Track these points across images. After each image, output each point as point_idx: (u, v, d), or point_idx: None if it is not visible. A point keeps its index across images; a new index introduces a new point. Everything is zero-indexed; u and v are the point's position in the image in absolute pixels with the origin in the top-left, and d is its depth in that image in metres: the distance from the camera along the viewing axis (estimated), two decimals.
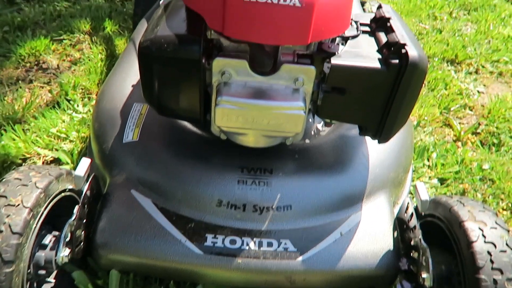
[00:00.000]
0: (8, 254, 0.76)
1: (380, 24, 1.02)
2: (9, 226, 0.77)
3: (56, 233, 0.95)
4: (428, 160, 1.61)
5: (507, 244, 0.84)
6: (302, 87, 0.95)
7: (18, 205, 0.80)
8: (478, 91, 2.10)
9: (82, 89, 1.85)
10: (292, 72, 0.93)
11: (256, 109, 0.93)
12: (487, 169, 1.55)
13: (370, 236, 1.04)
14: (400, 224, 1.08)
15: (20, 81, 1.91)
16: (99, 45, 2.15)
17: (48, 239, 0.93)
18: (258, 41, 0.84)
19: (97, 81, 1.91)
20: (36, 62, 2.04)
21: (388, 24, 0.99)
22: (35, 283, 0.91)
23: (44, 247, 0.92)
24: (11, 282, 0.77)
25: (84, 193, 0.96)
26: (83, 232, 0.98)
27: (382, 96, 0.94)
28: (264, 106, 0.93)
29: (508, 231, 0.87)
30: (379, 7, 1.07)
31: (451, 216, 0.92)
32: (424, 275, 0.94)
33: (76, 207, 0.94)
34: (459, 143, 1.74)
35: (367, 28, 1.04)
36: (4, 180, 0.85)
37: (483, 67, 2.30)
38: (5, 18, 2.26)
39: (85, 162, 0.98)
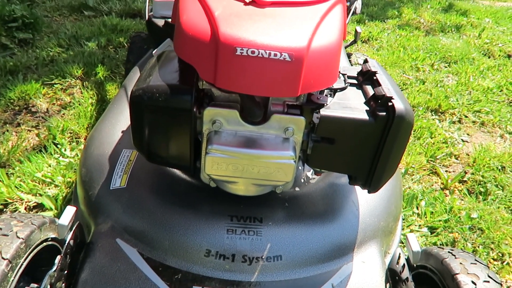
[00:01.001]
0: None
1: (366, 77, 1.05)
2: None
3: (35, 285, 0.91)
4: (417, 208, 1.61)
5: None
6: (292, 137, 0.95)
7: None
8: (463, 140, 2.15)
9: (70, 133, 1.85)
10: (282, 122, 0.94)
11: (247, 158, 0.93)
12: (476, 218, 1.55)
13: (362, 287, 1.02)
14: (392, 275, 1.06)
15: (7, 124, 1.90)
16: (90, 90, 2.17)
17: None
18: (249, 93, 0.86)
19: (86, 125, 1.90)
20: (25, 106, 2.03)
21: (375, 78, 1.03)
22: None
23: None
24: None
25: (67, 242, 0.93)
26: (63, 284, 0.93)
27: (371, 147, 0.95)
28: (255, 155, 0.93)
29: (501, 284, 0.86)
30: (365, 61, 1.11)
31: (443, 268, 0.91)
32: None
33: (58, 257, 0.90)
34: (447, 191, 1.75)
35: (354, 81, 1.08)
36: None
37: (466, 116, 2.37)
38: None
39: (69, 211, 0.95)
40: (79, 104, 2.04)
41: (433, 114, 2.36)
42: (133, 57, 1.86)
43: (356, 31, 2.00)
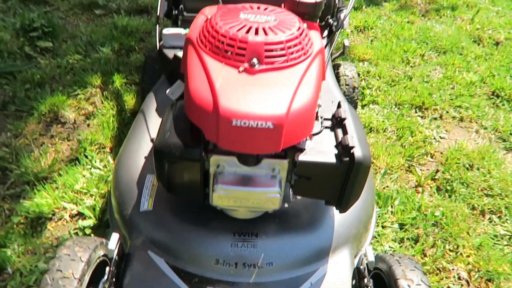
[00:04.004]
0: None
1: (338, 122, 1.33)
2: None
3: None
4: (391, 206, 1.92)
5: None
6: (278, 175, 1.25)
7: (70, 277, 1.10)
8: (440, 137, 2.42)
9: (97, 144, 2.16)
10: (270, 164, 1.24)
11: (244, 194, 1.23)
12: (438, 216, 1.86)
13: (334, 284, 1.35)
14: (358, 274, 1.38)
15: (43, 136, 2.21)
16: (110, 100, 2.45)
17: None
18: (243, 152, 1.15)
19: (109, 136, 2.21)
20: (55, 117, 2.34)
21: (344, 123, 1.30)
22: None
23: None
24: None
25: (113, 258, 1.26)
26: (112, 287, 1.27)
27: (339, 182, 1.25)
28: (250, 192, 1.23)
29: (430, 286, 1.18)
30: (339, 105, 1.38)
31: (390, 273, 1.23)
32: None
33: (107, 268, 1.24)
34: (420, 189, 2.05)
35: (329, 123, 1.36)
36: (57, 256, 1.15)
37: (447, 112, 2.62)
38: (25, 75, 2.57)
39: (114, 237, 1.28)
40: (102, 115, 2.34)
41: (417, 111, 2.61)
42: (147, 77, 2.13)
43: (344, 44, 2.22)
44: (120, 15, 3.42)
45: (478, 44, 3.51)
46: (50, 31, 2.92)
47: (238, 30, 1.23)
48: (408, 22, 3.81)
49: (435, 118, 2.57)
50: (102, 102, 2.45)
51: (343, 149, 1.22)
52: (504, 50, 3.40)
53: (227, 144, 1.13)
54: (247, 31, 1.22)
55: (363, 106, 2.61)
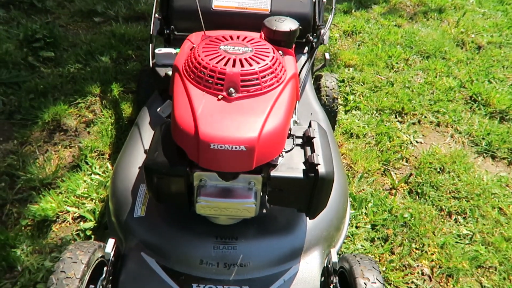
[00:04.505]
0: None
1: (307, 140, 1.51)
2: None
3: (92, 286, 1.44)
4: (365, 208, 2.10)
5: None
6: (254, 187, 1.43)
7: (72, 277, 1.29)
8: (417, 142, 2.59)
9: (97, 151, 2.34)
10: (246, 178, 1.42)
11: (223, 205, 1.42)
12: (407, 217, 2.04)
13: (304, 281, 1.53)
14: (326, 272, 1.57)
15: (47, 144, 2.40)
16: (109, 108, 2.63)
17: None
18: (220, 170, 1.33)
19: (108, 143, 2.39)
20: (58, 125, 2.52)
21: (312, 142, 1.48)
22: None
23: None
24: None
25: (110, 259, 1.45)
26: (109, 285, 1.47)
27: (307, 193, 1.43)
28: (228, 203, 1.41)
29: (384, 284, 1.36)
30: (310, 124, 1.55)
31: (351, 271, 1.42)
32: None
33: (105, 268, 1.43)
34: (393, 191, 2.23)
35: (300, 140, 1.53)
36: (61, 259, 1.34)
37: (425, 117, 2.79)
38: (29, 85, 2.74)
39: (111, 242, 1.47)
40: (101, 123, 2.52)
41: (397, 117, 2.78)
42: (142, 90, 2.30)
43: (325, 57, 2.38)
44: (118, 22, 3.59)
45: (461, 48, 3.66)
46: (52, 41, 3.08)
47: (218, 62, 1.40)
48: (395, 25, 3.95)
49: (414, 123, 2.74)
50: (101, 110, 2.63)
51: (310, 165, 1.40)
52: (485, 54, 3.55)
53: (206, 163, 1.31)
54: (225, 63, 1.40)
55: (346, 112, 2.78)
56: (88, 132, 2.49)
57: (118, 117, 2.57)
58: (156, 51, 2.02)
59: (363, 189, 2.22)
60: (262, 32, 1.70)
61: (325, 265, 1.60)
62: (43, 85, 2.75)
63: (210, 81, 1.39)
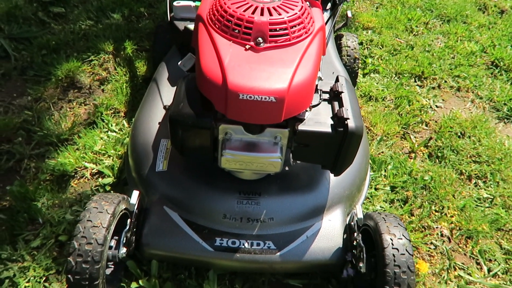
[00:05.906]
0: (97, 257, 1.25)
1: (335, 95, 1.46)
2: (96, 240, 1.26)
3: (116, 237, 1.44)
4: (385, 171, 2.08)
5: (406, 250, 1.32)
6: (280, 142, 1.41)
7: (99, 226, 1.28)
8: (437, 106, 2.53)
9: (112, 108, 2.30)
10: (272, 132, 1.39)
11: (248, 158, 1.39)
12: (427, 180, 2.02)
13: (326, 237, 1.53)
14: (349, 229, 1.56)
15: (61, 101, 2.36)
16: (122, 66, 2.57)
17: (113, 242, 1.42)
18: (249, 122, 1.29)
19: (123, 101, 2.35)
20: (71, 82, 2.47)
21: (341, 96, 1.44)
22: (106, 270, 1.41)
23: (110, 248, 1.41)
24: (98, 273, 1.26)
25: (134, 212, 1.45)
26: (133, 237, 1.47)
27: (334, 149, 1.40)
28: (254, 157, 1.39)
29: (410, 241, 1.35)
30: (337, 79, 1.50)
31: (376, 228, 1.41)
32: (361, 264, 1.43)
33: (129, 220, 1.43)
34: (413, 155, 2.20)
35: (327, 95, 1.49)
36: (87, 208, 1.33)
37: (445, 82, 2.72)
38: (41, 41, 2.68)
39: (135, 194, 1.45)
40: (115, 81, 2.47)
41: (416, 81, 2.71)
42: (158, 47, 2.24)
43: (346, 15, 2.30)
44: None
45: (483, 12, 3.53)
46: None
47: (245, 10, 1.34)
48: None
49: (433, 88, 2.68)
50: (115, 68, 2.58)
51: (338, 120, 1.36)
52: (508, 19, 3.43)
53: (234, 115, 1.28)
54: (253, 12, 1.34)
55: (364, 75, 2.71)
56: (103, 90, 2.45)
57: (133, 75, 2.52)
58: (175, 3, 1.95)
59: (383, 152, 2.19)
60: None
61: (347, 223, 1.59)
62: (54, 41, 2.69)
63: (237, 30, 1.34)
